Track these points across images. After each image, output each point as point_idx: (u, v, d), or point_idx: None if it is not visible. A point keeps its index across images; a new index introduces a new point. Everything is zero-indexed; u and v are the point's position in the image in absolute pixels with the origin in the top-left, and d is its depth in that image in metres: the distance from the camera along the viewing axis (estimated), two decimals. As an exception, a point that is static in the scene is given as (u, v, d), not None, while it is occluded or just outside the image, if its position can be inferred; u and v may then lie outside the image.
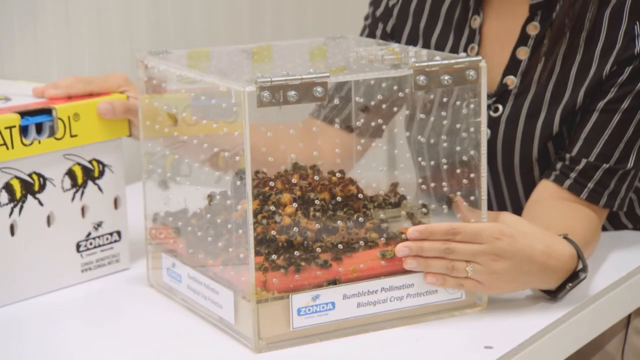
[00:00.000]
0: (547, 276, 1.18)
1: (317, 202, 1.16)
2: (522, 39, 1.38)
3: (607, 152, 1.32)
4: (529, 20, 1.37)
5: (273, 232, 1.13)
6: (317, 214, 1.15)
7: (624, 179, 1.34)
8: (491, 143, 1.37)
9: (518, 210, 1.41)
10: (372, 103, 1.28)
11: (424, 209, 1.22)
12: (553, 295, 1.21)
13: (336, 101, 1.31)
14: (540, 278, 1.18)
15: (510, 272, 1.15)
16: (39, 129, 1.24)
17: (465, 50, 1.41)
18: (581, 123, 1.33)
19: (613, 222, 1.44)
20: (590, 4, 1.32)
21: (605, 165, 1.32)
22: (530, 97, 1.36)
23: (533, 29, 1.37)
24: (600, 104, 1.32)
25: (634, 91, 1.31)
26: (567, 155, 1.33)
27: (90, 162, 1.29)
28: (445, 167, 1.21)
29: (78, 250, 1.29)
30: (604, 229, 1.43)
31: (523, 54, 1.38)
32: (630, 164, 1.33)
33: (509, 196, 1.41)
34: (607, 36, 1.32)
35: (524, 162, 1.37)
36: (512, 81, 1.37)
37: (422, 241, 1.13)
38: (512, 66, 1.37)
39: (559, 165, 1.33)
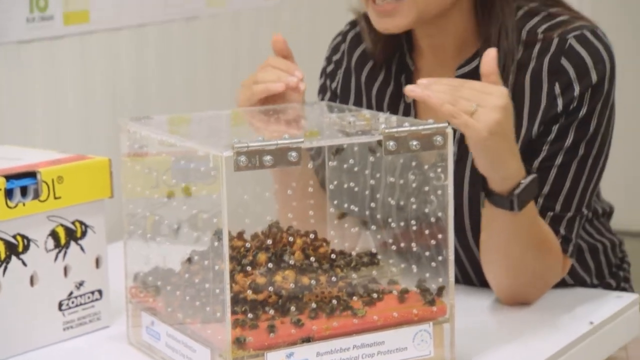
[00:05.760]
0: (516, 160, 1.22)
1: (291, 262, 1.14)
2: None
3: (550, 204, 1.32)
4: None
5: (249, 292, 1.10)
6: (291, 274, 1.13)
7: (571, 225, 1.33)
8: None
9: (478, 268, 1.39)
10: (345, 166, 1.27)
11: (394, 269, 1.20)
12: (508, 199, 1.23)
13: (310, 166, 1.29)
14: (513, 157, 1.21)
15: (506, 131, 1.18)
16: (24, 191, 1.22)
17: None
18: None
19: (572, 276, 1.42)
20: (510, 71, 1.32)
21: (551, 213, 1.32)
22: (470, 164, 1.35)
23: None
24: (536, 163, 1.32)
25: (565, 147, 1.32)
26: None
27: (73, 223, 1.26)
28: (414, 227, 1.19)
29: (60, 309, 1.25)
30: (566, 283, 1.42)
31: None
32: (572, 210, 1.32)
33: (466, 257, 1.39)
34: (532, 99, 1.33)
35: (474, 225, 1.36)
36: None
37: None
38: None
39: None
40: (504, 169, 1.22)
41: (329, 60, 1.52)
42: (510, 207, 1.24)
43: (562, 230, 1.33)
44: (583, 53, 1.32)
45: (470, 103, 1.16)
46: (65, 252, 1.26)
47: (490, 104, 1.17)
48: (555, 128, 1.32)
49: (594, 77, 1.32)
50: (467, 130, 1.17)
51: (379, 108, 1.44)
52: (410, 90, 1.17)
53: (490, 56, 1.21)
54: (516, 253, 1.29)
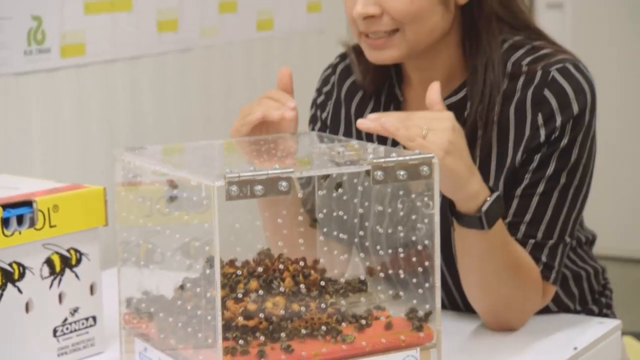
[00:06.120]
0: (476, 179, 1.24)
1: (281, 289, 1.14)
2: None
3: (532, 232, 1.33)
4: None
5: (240, 319, 1.10)
6: (282, 300, 1.13)
7: (554, 253, 1.34)
8: None
9: (464, 294, 1.39)
10: (334, 195, 1.28)
11: (382, 295, 1.20)
12: (476, 217, 1.25)
13: (300, 195, 1.30)
14: (473, 176, 1.24)
15: (460, 150, 1.21)
16: (20, 220, 1.22)
17: None
18: (505, 210, 1.34)
19: (556, 302, 1.43)
20: (495, 102, 1.34)
21: (532, 241, 1.33)
22: None
23: None
24: (518, 191, 1.34)
25: (546, 176, 1.33)
26: None
27: (68, 250, 1.27)
28: (402, 255, 1.20)
29: (55, 335, 1.25)
30: (550, 310, 1.42)
31: None
32: (554, 238, 1.33)
33: (453, 282, 1.40)
34: (516, 129, 1.34)
35: None
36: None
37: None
38: None
39: None
40: (466, 187, 1.24)
41: (319, 91, 1.53)
42: (480, 226, 1.26)
43: (543, 258, 1.34)
44: (565, 85, 1.34)
45: (421, 128, 1.21)
46: (60, 279, 1.26)
47: (439, 126, 1.22)
48: (537, 157, 1.34)
49: (576, 108, 1.33)
50: (423, 151, 1.20)
51: (369, 138, 1.45)
52: (361, 123, 1.23)
53: (434, 88, 1.26)
54: (491, 273, 1.29)
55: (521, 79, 1.35)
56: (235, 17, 2.06)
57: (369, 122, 1.22)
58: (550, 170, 1.33)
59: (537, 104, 1.34)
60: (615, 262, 3.16)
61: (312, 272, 1.18)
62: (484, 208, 1.25)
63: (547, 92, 1.34)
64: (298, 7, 2.21)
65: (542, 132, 1.33)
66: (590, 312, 1.47)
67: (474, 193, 1.25)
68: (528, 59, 1.36)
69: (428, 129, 1.21)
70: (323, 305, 1.14)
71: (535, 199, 1.33)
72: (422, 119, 1.23)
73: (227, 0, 2.04)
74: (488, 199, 1.26)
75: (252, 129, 1.32)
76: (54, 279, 1.26)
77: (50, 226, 1.24)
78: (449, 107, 1.39)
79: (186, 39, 1.95)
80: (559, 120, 1.33)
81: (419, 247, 1.18)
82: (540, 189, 1.33)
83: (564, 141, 1.33)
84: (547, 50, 1.37)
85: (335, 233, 1.30)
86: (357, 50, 1.44)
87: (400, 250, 1.20)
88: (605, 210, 3.17)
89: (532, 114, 1.34)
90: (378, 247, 1.26)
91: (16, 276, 1.21)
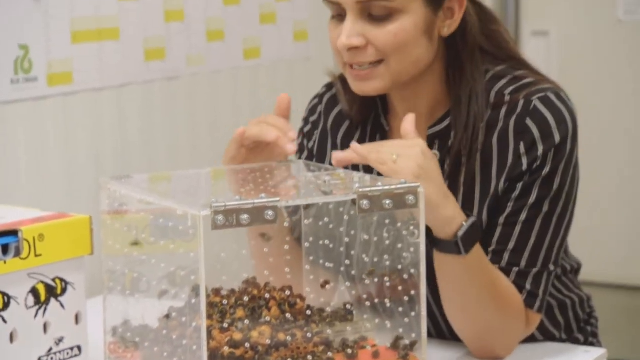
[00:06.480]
0: (450, 204, 1.25)
1: (267, 318, 1.14)
2: None
3: (515, 260, 1.33)
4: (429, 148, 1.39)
5: (226, 348, 1.10)
6: (268, 329, 1.12)
7: (538, 281, 1.34)
8: None
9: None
10: (320, 224, 1.28)
11: (368, 324, 1.20)
12: (453, 242, 1.26)
13: (286, 224, 1.30)
14: (447, 200, 1.25)
15: (431, 174, 1.23)
16: (5, 249, 1.21)
17: None
18: (488, 238, 1.34)
19: (542, 331, 1.43)
20: (479, 132, 1.35)
21: (516, 269, 1.33)
22: None
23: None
24: (501, 219, 1.35)
25: (528, 204, 1.34)
26: None
27: (53, 280, 1.26)
28: (387, 284, 1.20)
29: (39, 365, 1.25)
30: (535, 339, 1.42)
31: None
32: (538, 266, 1.34)
33: (439, 311, 1.40)
34: (499, 158, 1.35)
35: None
36: None
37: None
38: None
39: None
40: (439, 212, 1.25)
41: (306, 120, 1.53)
42: (457, 251, 1.26)
43: (527, 286, 1.34)
44: (547, 114, 1.35)
45: (392, 153, 1.23)
46: (45, 309, 1.25)
47: (409, 152, 1.25)
48: (519, 185, 1.34)
49: (557, 137, 1.34)
50: (394, 176, 1.22)
51: (355, 167, 1.45)
52: (334, 157, 1.26)
53: (409, 119, 1.28)
54: (471, 299, 1.30)
55: (504, 108, 1.36)
56: (222, 45, 2.06)
57: (340, 154, 1.25)
58: (532, 198, 1.34)
59: (519, 133, 1.35)
60: (601, 288, 3.17)
61: (298, 301, 1.18)
62: (460, 233, 1.26)
63: (529, 121, 1.35)
64: (285, 35, 2.22)
65: (524, 161, 1.34)
66: (576, 341, 1.47)
67: (449, 218, 1.26)
68: (510, 89, 1.37)
69: (398, 155, 1.23)
70: (309, 335, 1.14)
71: (518, 227, 1.34)
72: (393, 146, 1.26)
73: (214, 29, 2.04)
74: (464, 224, 1.26)
75: (246, 154, 1.32)
76: (39, 308, 1.25)
77: (36, 255, 1.23)
78: (434, 136, 1.40)
79: (173, 67, 1.96)
80: (540, 149, 1.34)
81: (405, 276, 1.18)
82: (523, 217, 1.34)
83: (546, 169, 1.34)
84: (529, 79, 1.38)
85: (321, 262, 1.30)
86: (344, 80, 1.45)
87: (386, 279, 1.20)
88: (590, 237, 3.18)
89: (514, 142, 1.35)
90: (364, 276, 1.26)
91: (1, 306, 1.20)
